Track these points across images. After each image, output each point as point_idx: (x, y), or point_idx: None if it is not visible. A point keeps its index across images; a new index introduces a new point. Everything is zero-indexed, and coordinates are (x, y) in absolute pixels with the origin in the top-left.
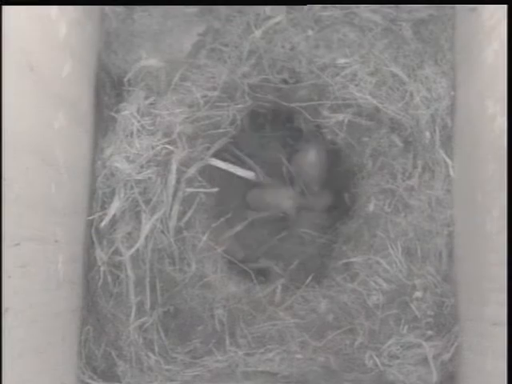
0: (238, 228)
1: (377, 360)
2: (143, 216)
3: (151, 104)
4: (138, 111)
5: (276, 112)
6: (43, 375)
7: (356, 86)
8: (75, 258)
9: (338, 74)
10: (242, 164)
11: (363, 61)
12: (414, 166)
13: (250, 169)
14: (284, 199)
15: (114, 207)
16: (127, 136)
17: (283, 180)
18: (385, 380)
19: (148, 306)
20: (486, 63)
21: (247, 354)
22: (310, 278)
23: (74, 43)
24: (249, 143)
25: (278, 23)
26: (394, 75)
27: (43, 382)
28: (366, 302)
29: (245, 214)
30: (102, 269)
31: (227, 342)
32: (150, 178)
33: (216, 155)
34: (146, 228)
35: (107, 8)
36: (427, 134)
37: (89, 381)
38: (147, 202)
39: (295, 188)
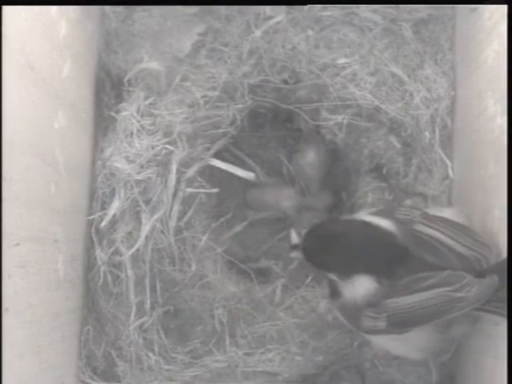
0: (238, 228)
1: (376, 360)
2: (143, 216)
3: (151, 104)
4: (138, 111)
5: (276, 112)
6: (43, 375)
7: (356, 86)
8: (75, 258)
9: (338, 74)
10: (242, 164)
11: (363, 61)
12: (412, 166)
13: (250, 169)
14: (284, 199)
15: (114, 207)
16: (127, 136)
17: (283, 180)
18: (384, 380)
19: (148, 306)
20: (486, 63)
21: (247, 354)
22: (309, 278)
23: (74, 43)
24: (249, 143)
25: (277, 23)
26: (393, 75)
27: (43, 382)
28: None
29: (245, 214)
30: (102, 269)
31: (227, 342)
32: (149, 178)
33: (216, 155)
34: (145, 228)
35: (107, 8)
36: (427, 134)
37: (89, 381)
38: (147, 201)
39: (295, 188)
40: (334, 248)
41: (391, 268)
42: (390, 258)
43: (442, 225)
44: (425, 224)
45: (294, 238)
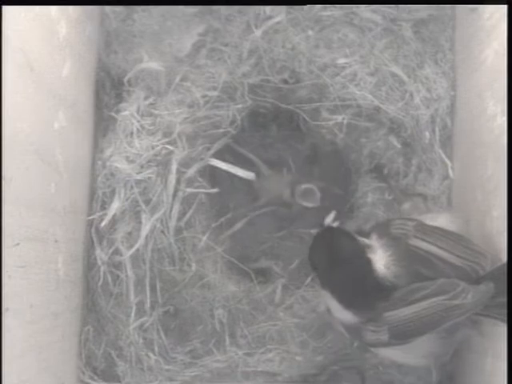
0: (238, 226)
1: (376, 360)
2: (143, 216)
3: (151, 104)
4: (137, 111)
5: (276, 112)
6: (43, 375)
7: (356, 86)
8: (75, 258)
9: (338, 74)
10: (243, 160)
11: (363, 61)
12: (412, 166)
13: (252, 164)
14: (287, 186)
15: (114, 207)
16: (127, 136)
17: (284, 171)
18: (384, 380)
19: (148, 305)
20: (486, 63)
21: (247, 354)
22: (310, 278)
23: (74, 43)
24: (249, 143)
25: (278, 23)
26: (393, 75)
27: (43, 382)
28: None
29: (245, 211)
30: (102, 269)
31: (227, 342)
32: (149, 178)
33: (216, 155)
34: (146, 228)
35: (107, 8)
36: (427, 134)
37: (89, 381)
38: (147, 202)
39: (297, 176)
40: (326, 256)
41: (369, 303)
42: (369, 296)
43: (437, 236)
44: (419, 238)
45: (329, 219)
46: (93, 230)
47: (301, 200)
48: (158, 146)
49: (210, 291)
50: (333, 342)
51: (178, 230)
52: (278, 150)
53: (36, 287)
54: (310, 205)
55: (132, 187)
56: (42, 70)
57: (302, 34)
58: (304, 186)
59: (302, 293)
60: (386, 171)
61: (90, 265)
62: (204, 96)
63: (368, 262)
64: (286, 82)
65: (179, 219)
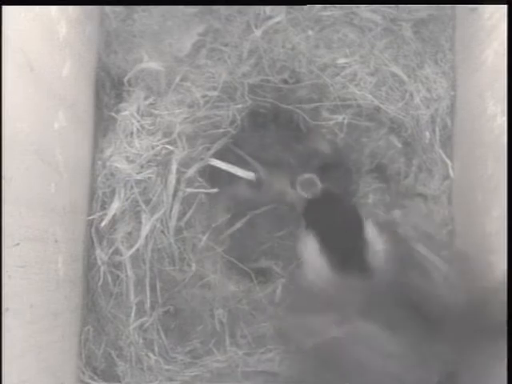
0: (238, 225)
1: None
2: (143, 216)
3: (151, 104)
4: (137, 111)
5: (276, 112)
6: (43, 375)
7: (356, 86)
8: (75, 258)
9: (338, 74)
10: (242, 163)
11: (363, 61)
12: (413, 166)
13: (250, 167)
14: (288, 181)
15: (114, 207)
16: (127, 136)
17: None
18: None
19: (148, 305)
20: (486, 63)
21: (247, 354)
22: None
23: (74, 43)
24: (249, 143)
25: (278, 23)
26: (393, 75)
27: (43, 382)
28: None
29: (244, 211)
30: (102, 269)
31: (227, 342)
32: (149, 178)
33: (216, 155)
34: (146, 228)
35: (107, 8)
36: (427, 134)
37: (89, 381)
38: (147, 202)
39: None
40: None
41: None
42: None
43: None
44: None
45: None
46: (93, 230)
47: (301, 190)
48: (158, 145)
49: (210, 291)
50: None
51: (178, 230)
52: (278, 151)
53: (36, 287)
54: (310, 196)
55: (132, 187)
56: (42, 70)
57: (302, 34)
58: (305, 176)
59: None
60: (387, 172)
61: (90, 265)
62: (204, 96)
63: (361, 225)
64: (286, 82)
65: (179, 219)
